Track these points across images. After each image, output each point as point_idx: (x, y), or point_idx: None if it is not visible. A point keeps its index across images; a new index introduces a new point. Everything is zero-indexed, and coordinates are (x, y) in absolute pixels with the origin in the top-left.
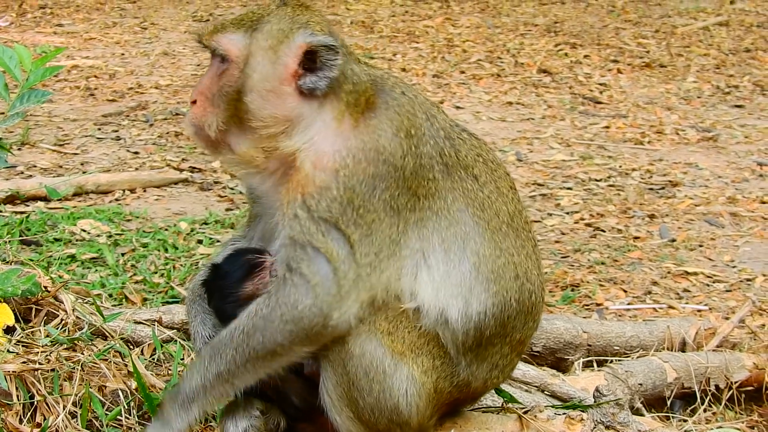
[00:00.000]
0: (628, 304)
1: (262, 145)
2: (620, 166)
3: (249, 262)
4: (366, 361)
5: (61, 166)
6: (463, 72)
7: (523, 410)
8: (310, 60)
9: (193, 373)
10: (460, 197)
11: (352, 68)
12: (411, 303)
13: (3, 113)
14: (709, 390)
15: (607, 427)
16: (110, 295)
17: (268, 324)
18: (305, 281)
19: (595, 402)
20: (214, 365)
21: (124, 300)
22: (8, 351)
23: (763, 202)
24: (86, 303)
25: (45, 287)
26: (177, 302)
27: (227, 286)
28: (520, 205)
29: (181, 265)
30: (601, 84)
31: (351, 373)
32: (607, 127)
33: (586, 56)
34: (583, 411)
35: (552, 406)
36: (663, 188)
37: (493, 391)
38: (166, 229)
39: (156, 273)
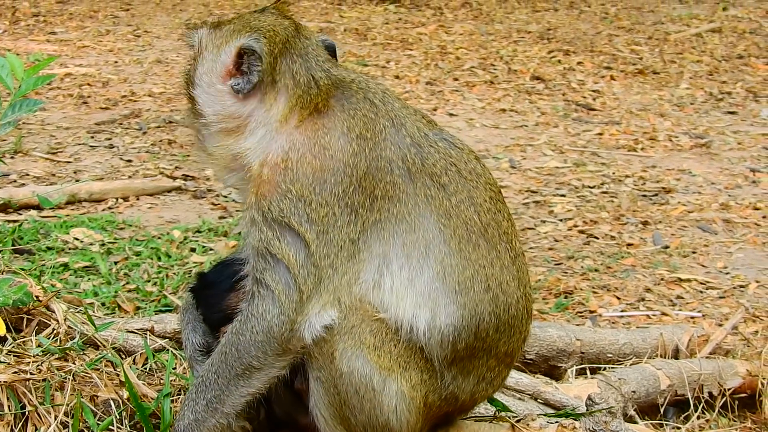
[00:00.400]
0: (622, 311)
1: (221, 143)
2: (613, 173)
3: (235, 274)
4: (355, 379)
5: (54, 175)
6: (456, 79)
7: (516, 419)
8: (243, 63)
9: (185, 410)
10: (423, 204)
11: (312, 75)
12: (380, 310)
13: None
14: (703, 397)
15: None
16: (103, 304)
17: (241, 338)
18: (270, 291)
19: (587, 410)
20: (201, 395)
21: (116, 309)
22: (0, 361)
23: (756, 209)
24: (78, 312)
25: (37, 297)
26: (170, 311)
27: (213, 296)
28: (501, 215)
29: (174, 273)
30: (594, 91)
31: (342, 392)
32: (600, 133)
33: (579, 63)
34: (575, 419)
35: (545, 415)
36: (656, 195)
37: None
38: (159, 238)
39: (149, 281)
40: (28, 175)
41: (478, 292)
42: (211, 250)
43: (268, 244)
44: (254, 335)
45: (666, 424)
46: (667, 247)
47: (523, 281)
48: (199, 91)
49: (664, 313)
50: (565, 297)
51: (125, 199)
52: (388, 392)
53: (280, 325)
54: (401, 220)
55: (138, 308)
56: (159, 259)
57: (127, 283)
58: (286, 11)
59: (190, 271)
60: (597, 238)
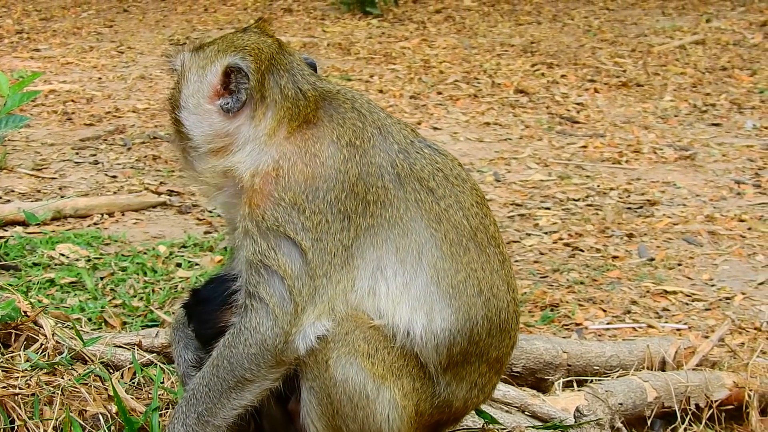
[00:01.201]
0: (608, 323)
1: (209, 162)
2: (598, 186)
3: (228, 290)
4: (349, 387)
5: (39, 191)
6: (440, 93)
7: (504, 431)
8: (230, 82)
9: (175, 423)
10: (414, 208)
11: (299, 88)
12: (375, 317)
13: None
14: (690, 409)
15: None
16: (90, 319)
17: (234, 351)
18: (264, 304)
19: (575, 422)
20: (192, 408)
21: (103, 324)
22: None
23: (741, 221)
24: (66, 327)
25: (24, 312)
26: (156, 325)
27: (206, 312)
28: (488, 220)
29: (160, 288)
30: (578, 104)
31: (335, 401)
32: (584, 146)
33: (562, 76)
34: (563, 431)
35: (533, 427)
36: (641, 207)
37: (473, 412)
38: (145, 253)
39: (135, 297)
40: (13, 191)
41: (471, 296)
42: (196, 265)
43: (263, 255)
44: (247, 348)
45: None
46: (652, 259)
47: (512, 286)
48: (186, 113)
49: (650, 326)
50: (551, 310)
51: (110, 214)
52: (381, 400)
53: (273, 338)
54: (394, 224)
55: (125, 323)
56: (145, 274)
57: (114, 298)
58: (268, 30)
59: (176, 286)
60: (582, 251)
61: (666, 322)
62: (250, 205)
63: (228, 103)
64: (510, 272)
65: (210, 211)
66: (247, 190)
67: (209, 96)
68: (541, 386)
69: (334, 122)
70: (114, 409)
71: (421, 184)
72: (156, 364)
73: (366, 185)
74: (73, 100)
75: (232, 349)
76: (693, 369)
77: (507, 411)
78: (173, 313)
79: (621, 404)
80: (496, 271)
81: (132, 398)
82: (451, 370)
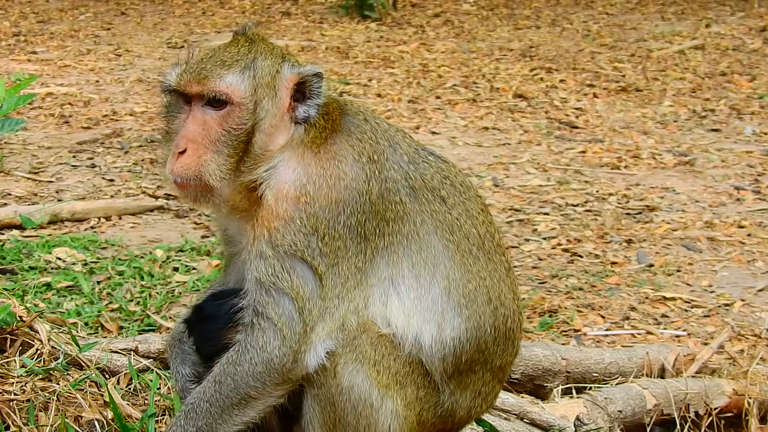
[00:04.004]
0: (606, 329)
1: (244, 182)
2: (597, 191)
3: (232, 307)
4: (354, 395)
5: (36, 194)
6: (438, 97)
7: None
8: (299, 91)
9: None
10: (429, 219)
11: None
12: (383, 326)
13: None
14: (689, 416)
15: None
16: (86, 324)
17: (238, 368)
18: (272, 324)
19: (575, 430)
20: (191, 422)
21: (99, 328)
22: None
23: (741, 227)
24: (62, 332)
25: (20, 317)
26: (153, 330)
27: (210, 330)
28: (492, 227)
29: (157, 292)
30: (577, 108)
31: (339, 409)
32: (583, 151)
33: (561, 81)
34: None
35: None
36: (640, 213)
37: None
38: (142, 257)
39: (132, 301)
40: (10, 194)
41: (481, 305)
42: (194, 269)
43: (276, 277)
44: (253, 366)
45: None
46: (651, 265)
47: (517, 294)
48: (261, 135)
49: (649, 332)
50: (550, 316)
51: (107, 218)
52: (384, 410)
53: (281, 357)
54: (411, 240)
55: (121, 328)
56: (142, 278)
57: (110, 302)
58: (263, 35)
59: (174, 290)
60: (581, 257)
61: (665, 329)
62: (269, 228)
63: (305, 111)
64: (514, 280)
65: (207, 216)
66: (268, 211)
67: (283, 112)
68: (540, 393)
69: (353, 137)
70: (110, 415)
71: (433, 194)
72: (152, 370)
73: (385, 203)
74: (70, 103)
75: (236, 366)
76: (692, 376)
77: (506, 418)
78: (170, 317)
79: (620, 411)
80: (503, 279)
81: (128, 404)
82: (456, 378)
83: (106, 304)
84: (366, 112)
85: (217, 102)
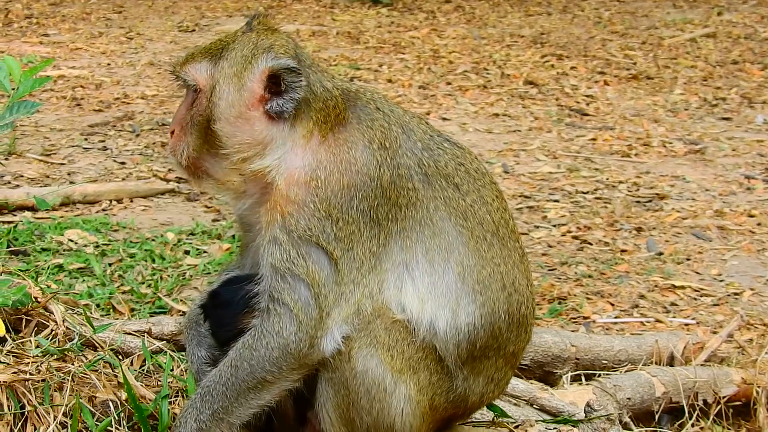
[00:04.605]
0: (616, 317)
1: (237, 169)
2: (607, 179)
3: (247, 293)
4: (368, 379)
5: (48, 176)
6: (449, 83)
7: (514, 425)
8: (275, 83)
9: (187, 418)
10: (442, 206)
11: (323, 85)
12: (398, 311)
13: None
14: (697, 405)
15: None
16: (98, 305)
17: (255, 353)
18: (287, 309)
19: (586, 417)
20: (207, 405)
21: (111, 310)
22: None
23: (751, 216)
24: (76, 314)
25: (35, 298)
26: (164, 313)
27: (226, 315)
28: (507, 214)
29: (168, 275)
30: (587, 96)
31: (353, 392)
32: (593, 139)
33: (572, 68)
34: (574, 426)
35: (543, 421)
36: (650, 201)
37: None
38: (153, 240)
39: (143, 283)
40: (22, 176)
41: (495, 291)
42: (204, 252)
43: (291, 263)
44: (269, 351)
45: None
46: (661, 253)
47: (530, 280)
48: (223, 125)
49: (658, 320)
50: (559, 303)
51: (119, 201)
52: (398, 394)
53: (297, 342)
54: (425, 225)
55: (132, 310)
56: (153, 261)
57: (122, 284)
58: (273, 24)
59: (185, 273)
60: (591, 244)
61: (674, 317)
62: (282, 213)
63: (279, 105)
64: (528, 266)
65: (218, 199)
66: (280, 197)
67: (252, 103)
68: (549, 379)
69: (363, 124)
70: (124, 396)
71: (447, 181)
72: (165, 352)
73: (397, 189)
74: (82, 86)
75: (252, 351)
76: (701, 365)
77: (515, 404)
78: (181, 300)
79: (629, 399)
80: (517, 266)
81: (141, 385)
82: (469, 364)
83: (118, 286)
84: (379, 101)
85: (193, 89)
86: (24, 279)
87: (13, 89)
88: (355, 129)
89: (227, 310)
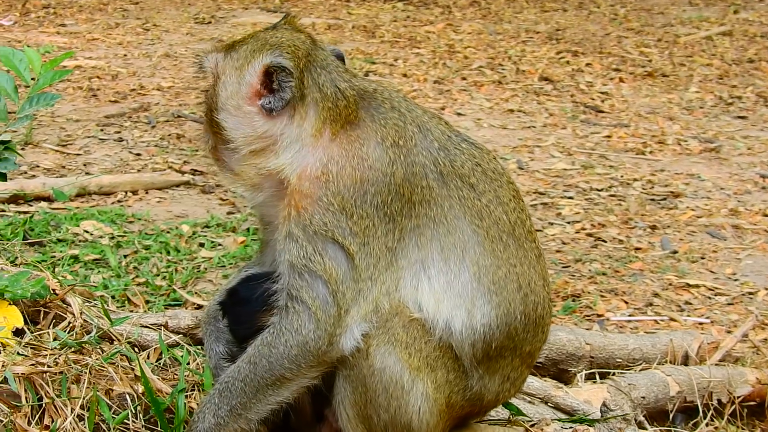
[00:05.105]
0: (630, 315)
1: (250, 163)
2: (622, 176)
3: (266, 290)
4: (386, 376)
5: (64, 167)
6: (464, 78)
7: (530, 423)
8: (271, 81)
9: (205, 413)
10: (457, 205)
11: (336, 86)
12: (415, 310)
13: (12, 113)
14: (712, 404)
15: None
16: (113, 297)
17: (273, 350)
18: (306, 307)
19: (602, 416)
20: (225, 401)
21: (126, 302)
22: (18, 353)
23: (766, 215)
24: (93, 306)
25: (53, 290)
26: (179, 305)
27: (245, 313)
28: (524, 214)
29: (183, 268)
30: (602, 93)
31: (370, 390)
32: (608, 136)
33: (587, 64)
34: (590, 425)
35: (559, 420)
36: (665, 199)
37: None
38: (168, 232)
39: (158, 275)
40: (38, 166)
41: (511, 292)
42: (219, 245)
43: (308, 260)
44: (288, 349)
45: (674, 431)
46: (675, 252)
47: (547, 280)
48: (225, 116)
49: (672, 319)
50: (573, 300)
51: (134, 192)
52: (415, 392)
53: (316, 340)
54: (439, 223)
55: (147, 302)
56: (168, 253)
57: (137, 276)
58: (298, 25)
59: (199, 266)
60: (605, 242)
61: (688, 316)
62: (297, 208)
63: (270, 103)
64: (545, 267)
65: (233, 192)
66: (294, 192)
67: (249, 97)
68: (563, 377)
69: (376, 123)
70: (140, 389)
71: (463, 181)
72: (182, 346)
73: (411, 186)
74: (98, 77)
75: (271, 348)
76: (716, 364)
77: (530, 402)
78: (196, 293)
79: (643, 398)
80: (533, 266)
81: (158, 379)
82: (485, 363)
83: (133, 278)
84: (396, 100)
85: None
86: (42, 271)
87: (33, 80)
88: (367, 127)
89: (245, 308)
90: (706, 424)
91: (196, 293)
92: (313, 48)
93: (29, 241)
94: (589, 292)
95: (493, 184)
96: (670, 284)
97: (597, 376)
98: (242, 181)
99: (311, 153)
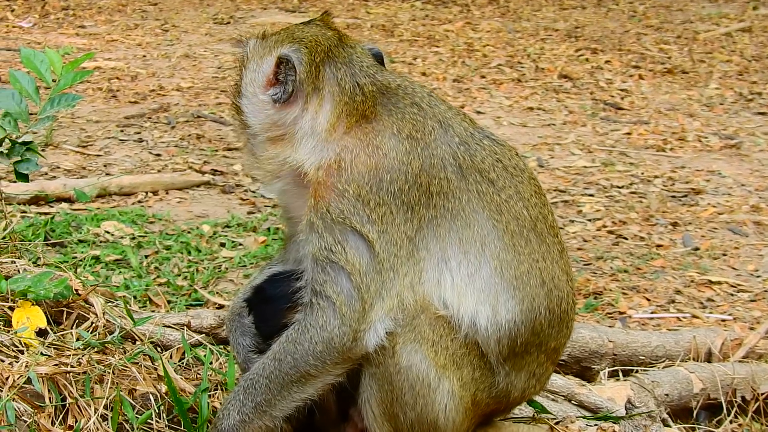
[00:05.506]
0: (652, 312)
1: (269, 150)
2: (642, 173)
3: (292, 288)
4: (413, 374)
5: (84, 168)
6: (483, 77)
7: (555, 421)
8: (280, 72)
9: (230, 410)
10: (475, 199)
11: (356, 81)
12: (441, 307)
13: (33, 114)
14: (736, 401)
15: None
16: (134, 297)
17: (299, 347)
18: (330, 303)
19: (627, 413)
20: (250, 398)
21: (147, 302)
22: (41, 354)
23: None
24: (115, 306)
25: (76, 290)
26: (200, 305)
27: (270, 311)
28: (546, 209)
29: (204, 268)
30: (622, 90)
31: (397, 388)
32: (628, 133)
33: (607, 62)
34: (614, 422)
35: (583, 417)
36: (686, 196)
37: None
38: (189, 232)
39: (179, 275)
40: (59, 167)
41: (534, 287)
42: (240, 245)
43: (329, 251)
44: (313, 345)
45: (698, 428)
46: (697, 248)
47: (571, 275)
48: (245, 101)
49: (694, 316)
50: (595, 298)
51: (155, 193)
52: (441, 390)
53: (341, 336)
54: (456, 216)
55: (169, 302)
56: (189, 253)
57: (158, 276)
58: (331, 23)
59: (220, 266)
60: (626, 239)
61: (711, 313)
62: (315, 197)
63: (276, 94)
64: (568, 262)
65: (253, 192)
66: (312, 182)
67: (263, 85)
68: (586, 375)
69: (393, 116)
70: (164, 388)
71: (482, 176)
72: (205, 345)
73: (429, 176)
74: (117, 78)
75: (296, 345)
76: (739, 361)
77: (553, 399)
78: (217, 293)
79: (667, 395)
80: (556, 262)
81: (181, 378)
82: (511, 360)
83: (154, 278)
84: (417, 95)
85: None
86: (64, 271)
87: (54, 81)
88: (384, 121)
89: (271, 306)
90: (730, 422)
91: (217, 293)
92: (336, 45)
93: (50, 242)
94: (610, 290)
95: (514, 180)
96: (692, 281)
97: (620, 374)
98: (262, 167)
99: (327, 146)
